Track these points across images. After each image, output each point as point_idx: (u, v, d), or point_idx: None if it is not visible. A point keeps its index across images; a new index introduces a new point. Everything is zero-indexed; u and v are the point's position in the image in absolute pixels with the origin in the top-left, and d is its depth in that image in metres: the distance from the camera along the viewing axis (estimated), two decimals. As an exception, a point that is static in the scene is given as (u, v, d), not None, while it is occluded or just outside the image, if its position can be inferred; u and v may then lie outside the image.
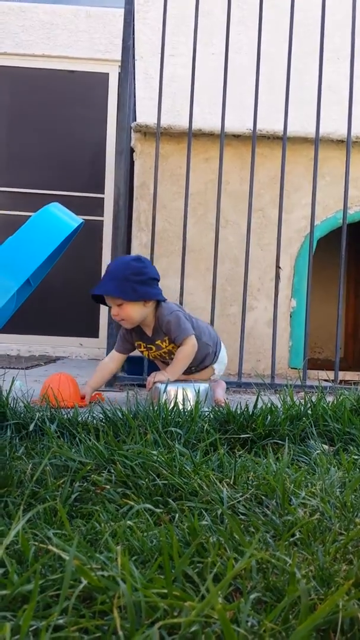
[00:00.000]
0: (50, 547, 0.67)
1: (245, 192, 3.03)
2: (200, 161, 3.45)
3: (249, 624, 0.53)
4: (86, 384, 2.09)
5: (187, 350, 2.03)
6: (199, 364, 2.18)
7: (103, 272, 2.13)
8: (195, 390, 1.83)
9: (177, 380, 1.98)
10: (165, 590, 0.56)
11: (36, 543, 0.70)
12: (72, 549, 0.55)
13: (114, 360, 2.17)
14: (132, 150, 3.47)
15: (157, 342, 2.10)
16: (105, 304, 2.07)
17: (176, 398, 1.61)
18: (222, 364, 2.30)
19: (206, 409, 1.57)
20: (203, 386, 1.89)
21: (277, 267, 2.72)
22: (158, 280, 2.09)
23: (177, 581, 0.61)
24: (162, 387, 1.82)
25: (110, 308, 2.08)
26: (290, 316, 3.51)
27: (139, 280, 1.98)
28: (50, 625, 0.49)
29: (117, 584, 0.57)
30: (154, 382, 1.92)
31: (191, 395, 1.80)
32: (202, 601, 0.55)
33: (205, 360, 2.21)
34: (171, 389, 1.80)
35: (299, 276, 3.49)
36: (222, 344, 2.32)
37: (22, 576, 0.56)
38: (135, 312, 2.00)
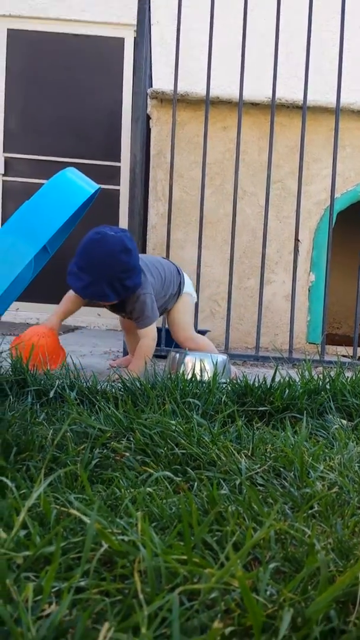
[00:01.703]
0: (71, 510, 0.68)
1: (264, 162, 2.98)
2: (217, 130, 3.39)
3: (268, 592, 0.53)
4: (53, 314, 2.02)
5: (148, 344, 1.98)
6: (166, 307, 2.18)
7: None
8: (213, 362, 1.82)
9: (194, 351, 1.98)
10: (185, 557, 0.57)
11: (57, 506, 0.71)
12: (94, 513, 0.56)
13: (79, 298, 2.03)
14: (148, 118, 3.42)
15: (122, 314, 2.10)
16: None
17: (194, 369, 1.61)
18: (190, 286, 2.27)
19: (223, 381, 1.57)
20: (221, 357, 1.89)
21: (296, 240, 2.68)
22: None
23: (196, 548, 0.61)
24: (179, 357, 1.82)
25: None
26: (309, 290, 3.48)
27: (128, 276, 1.87)
28: (72, 586, 0.49)
29: (138, 548, 0.58)
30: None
31: (209, 367, 1.80)
32: (222, 569, 0.56)
33: (170, 303, 2.19)
34: (189, 360, 1.80)
35: (318, 250, 3.44)
36: (183, 272, 2.26)
37: (44, 538, 0.57)
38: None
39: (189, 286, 2.28)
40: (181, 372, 1.54)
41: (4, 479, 0.76)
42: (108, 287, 1.83)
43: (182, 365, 1.76)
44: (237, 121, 2.69)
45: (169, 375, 1.51)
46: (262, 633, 0.46)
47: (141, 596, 0.50)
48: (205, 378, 1.53)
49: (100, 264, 1.81)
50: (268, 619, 0.50)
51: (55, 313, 2.04)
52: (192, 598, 0.53)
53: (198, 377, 1.50)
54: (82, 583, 0.52)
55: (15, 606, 0.45)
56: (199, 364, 1.77)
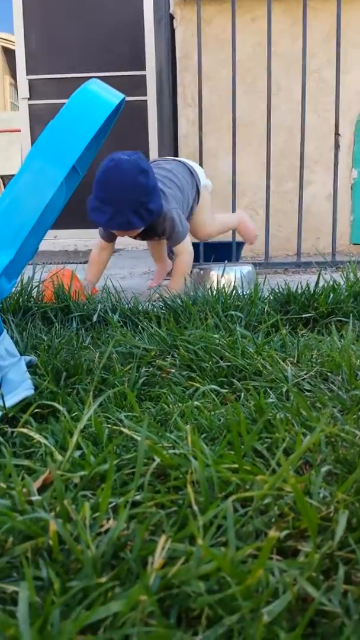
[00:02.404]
0: (122, 428, 0.69)
1: (297, 51, 2.76)
2: (246, 22, 3.15)
3: (321, 495, 0.54)
4: (85, 279, 2.01)
5: (185, 260, 1.93)
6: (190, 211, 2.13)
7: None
8: (240, 273, 1.79)
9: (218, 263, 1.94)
10: (236, 465, 0.57)
11: (109, 426, 0.73)
12: (144, 429, 0.56)
13: (104, 249, 2.07)
14: (171, 19, 3.19)
15: (155, 238, 2.06)
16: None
17: (222, 282, 1.59)
18: (203, 177, 2.21)
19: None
20: (247, 268, 1.85)
21: (336, 134, 2.52)
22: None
23: (246, 456, 0.62)
24: (203, 272, 1.80)
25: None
26: (352, 188, 3.33)
27: (150, 199, 1.80)
28: (128, 501, 0.51)
29: (189, 460, 0.59)
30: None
31: (236, 278, 1.76)
32: (273, 475, 0.56)
33: (194, 203, 2.14)
34: (214, 273, 1.78)
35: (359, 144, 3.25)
36: (193, 167, 2.19)
37: (98, 457, 0.59)
38: (141, 227, 1.89)
39: (202, 178, 2.18)
40: (208, 287, 1.53)
41: (56, 404, 0.78)
42: (133, 214, 1.78)
43: (208, 280, 1.74)
44: (266, 10, 2.47)
45: (209, 290, 1.49)
46: (318, 535, 0.47)
47: (195, 507, 0.51)
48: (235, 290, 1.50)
49: (120, 191, 1.76)
50: (322, 521, 0.50)
51: (85, 279, 2.00)
52: (245, 505, 0.54)
53: (227, 290, 1.48)
54: (137, 497, 0.54)
55: (74, 525, 0.47)
56: (227, 276, 1.75)
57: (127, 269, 2.90)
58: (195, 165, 2.20)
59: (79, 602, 0.38)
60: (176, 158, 2.21)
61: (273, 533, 0.38)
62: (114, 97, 1.02)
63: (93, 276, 2.04)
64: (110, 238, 2.05)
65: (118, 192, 1.77)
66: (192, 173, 2.15)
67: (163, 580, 0.39)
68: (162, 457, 0.59)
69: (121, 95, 1.07)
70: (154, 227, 1.95)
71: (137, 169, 1.78)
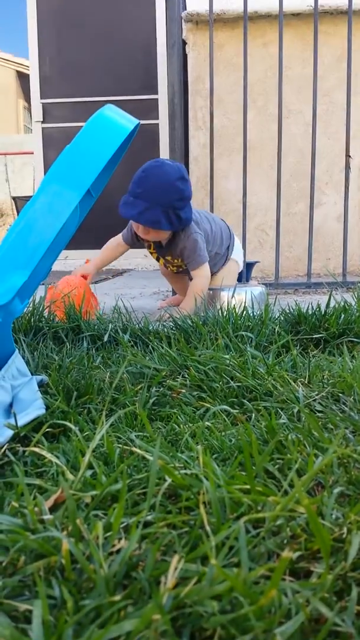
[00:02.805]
0: (133, 448, 0.70)
1: (308, 76, 2.80)
2: (257, 47, 3.20)
3: (334, 516, 0.53)
4: (91, 262, 2.06)
5: (201, 283, 1.93)
6: (212, 270, 2.13)
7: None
8: (252, 294, 1.80)
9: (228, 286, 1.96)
10: (248, 486, 0.57)
11: (120, 445, 0.73)
12: (156, 449, 0.57)
13: (121, 247, 2.10)
14: (183, 43, 3.26)
15: (167, 257, 2.05)
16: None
17: (232, 303, 1.60)
18: (239, 253, 2.24)
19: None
20: (258, 289, 1.85)
21: (347, 155, 2.54)
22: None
23: (258, 477, 0.62)
24: (213, 293, 1.81)
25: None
26: (362, 209, 3.34)
27: (182, 206, 1.83)
28: (140, 521, 0.51)
29: (200, 481, 0.59)
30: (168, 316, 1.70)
31: (246, 299, 1.77)
32: (285, 496, 0.56)
33: (217, 266, 2.16)
34: (224, 294, 1.79)
35: (369, 165, 3.27)
36: (234, 235, 2.23)
37: (110, 477, 0.59)
38: (166, 234, 1.92)
39: (237, 252, 2.22)
40: (219, 307, 1.54)
41: (68, 423, 0.78)
42: (163, 214, 1.81)
43: (219, 300, 1.75)
44: (277, 35, 2.52)
45: (219, 310, 1.50)
46: (330, 556, 0.47)
47: (207, 527, 0.51)
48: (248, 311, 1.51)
49: (157, 189, 1.80)
50: (335, 542, 0.50)
51: (92, 261, 2.07)
52: (257, 526, 0.54)
53: (239, 310, 1.49)
54: (149, 517, 0.54)
55: (86, 544, 0.47)
56: (237, 298, 1.76)
57: (138, 289, 2.92)
58: (237, 240, 2.26)
59: (91, 620, 0.39)
60: (224, 220, 2.26)
61: (286, 553, 0.38)
62: (129, 122, 1.04)
63: (100, 261, 2.09)
64: (130, 241, 2.08)
65: (154, 189, 1.80)
66: (230, 235, 2.20)
67: (175, 600, 0.39)
68: (174, 477, 0.59)
69: (136, 121, 1.09)
70: (176, 243, 1.96)
71: (178, 174, 1.83)
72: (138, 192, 1.82)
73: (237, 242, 2.25)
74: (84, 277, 2.01)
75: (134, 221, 1.88)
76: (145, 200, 1.80)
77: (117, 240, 2.12)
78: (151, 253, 2.12)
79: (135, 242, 2.08)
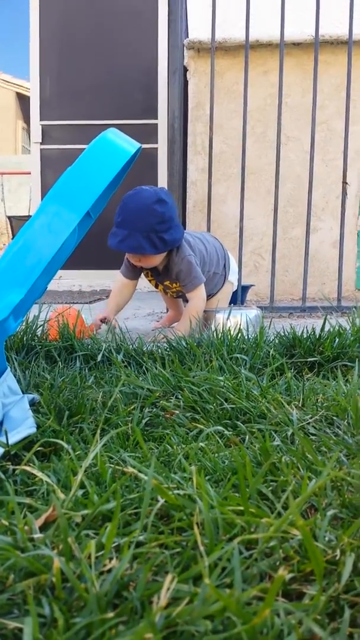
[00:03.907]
0: (126, 468, 0.69)
1: (307, 104, 2.86)
2: (258, 75, 3.27)
3: (326, 539, 0.53)
4: (107, 309, 2.06)
5: (197, 305, 1.94)
6: (212, 292, 2.16)
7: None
8: (247, 317, 1.81)
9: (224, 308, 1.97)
10: (242, 508, 0.57)
11: (112, 465, 0.73)
12: (151, 469, 0.56)
13: (127, 286, 2.10)
14: (185, 70, 3.32)
15: (165, 283, 2.06)
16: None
17: (224, 325, 1.61)
18: (234, 274, 2.27)
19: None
20: (253, 312, 1.86)
21: (344, 182, 2.58)
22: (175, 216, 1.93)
23: (252, 499, 0.61)
24: (208, 314, 1.82)
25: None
26: (358, 235, 3.38)
27: (165, 228, 1.83)
28: (132, 541, 0.51)
29: (194, 501, 0.59)
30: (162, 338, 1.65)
31: (242, 322, 1.78)
32: (278, 518, 0.56)
33: (217, 286, 2.18)
34: (219, 316, 1.80)
35: (365, 193, 3.32)
36: (228, 253, 2.25)
37: (102, 496, 0.59)
38: (158, 259, 1.92)
39: (233, 273, 2.25)
40: (213, 328, 1.54)
41: (60, 441, 0.78)
42: (145, 239, 1.81)
43: (214, 322, 1.75)
44: (278, 63, 2.57)
45: (214, 332, 1.50)
46: (323, 578, 0.47)
47: (201, 547, 0.50)
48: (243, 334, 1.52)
49: (133, 216, 1.81)
50: (328, 564, 0.50)
51: (108, 308, 2.06)
52: (249, 547, 0.54)
53: (233, 333, 1.49)
54: (141, 538, 0.53)
55: (77, 563, 0.47)
56: (233, 320, 1.76)
57: (131, 310, 2.92)
58: (232, 259, 2.27)
59: (82, 639, 0.38)
60: (217, 239, 2.28)
61: (281, 572, 0.38)
62: (131, 146, 1.06)
63: (110, 310, 2.07)
64: (131, 275, 2.09)
65: (131, 216, 1.82)
66: (225, 255, 2.22)
67: (167, 619, 0.39)
68: (168, 497, 0.59)
69: (137, 145, 1.10)
70: (171, 268, 1.97)
71: (154, 198, 1.83)
72: (118, 221, 1.84)
73: (233, 262, 2.27)
74: (103, 320, 2.00)
75: (116, 249, 1.89)
76: (124, 228, 1.82)
77: (119, 281, 2.12)
78: (150, 281, 2.13)
79: (133, 273, 2.08)
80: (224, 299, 2.22)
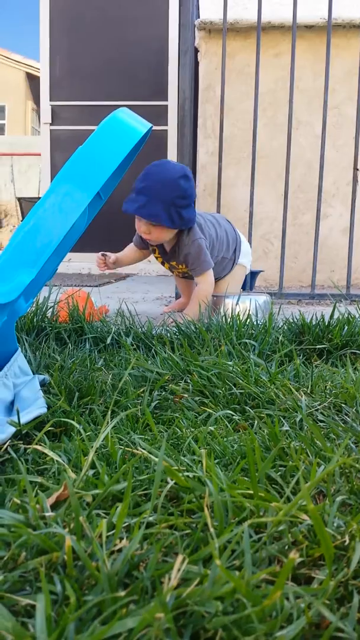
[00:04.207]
0: (136, 450, 0.70)
1: (319, 88, 2.81)
2: (269, 57, 3.22)
3: (335, 524, 0.53)
4: (115, 255, 2.13)
5: (205, 290, 1.94)
6: (219, 275, 2.15)
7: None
8: (256, 303, 1.80)
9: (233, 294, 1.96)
10: (251, 491, 0.57)
11: (122, 447, 0.73)
12: (161, 450, 0.57)
13: (135, 251, 2.15)
14: (195, 51, 3.28)
15: (172, 263, 2.06)
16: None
17: (233, 310, 1.61)
18: (247, 256, 2.25)
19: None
20: (262, 298, 1.86)
21: (355, 169, 2.55)
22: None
23: (261, 483, 0.62)
24: (217, 299, 1.82)
25: (135, 220, 1.93)
26: (367, 223, 3.35)
27: (185, 204, 1.83)
28: (142, 522, 0.51)
29: (204, 484, 0.59)
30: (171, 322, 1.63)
31: (251, 307, 1.77)
32: (288, 503, 0.56)
33: (225, 270, 2.16)
34: (228, 301, 1.79)
35: (376, 179, 3.28)
36: (241, 236, 2.23)
37: (113, 477, 0.59)
38: (168, 235, 1.91)
39: (245, 254, 2.22)
40: (222, 313, 1.54)
41: (72, 421, 0.78)
42: (164, 210, 1.80)
43: (223, 307, 1.75)
44: (290, 47, 2.53)
45: (223, 317, 1.50)
46: (332, 563, 0.47)
47: (212, 529, 0.51)
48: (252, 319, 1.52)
49: (157, 185, 1.80)
50: (337, 549, 0.50)
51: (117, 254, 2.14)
52: (259, 531, 0.54)
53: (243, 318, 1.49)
54: (151, 519, 0.54)
55: (88, 542, 0.47)
56: (242, 305, 1.76)
57: (140, 294, 2.92)
58: (244, 241, 2.25)
59: (93, 617, 0.39)
60: (229, 222, 2.26)
61: (292, 555, 0.38)
62: (142, 126, 1.05)
63: (123, 256, 2.15)
64: (141, 245, 2.11)
65: (155, 184, 1.81)
66: (237, 238, 2.20)
67: (177, 599, 0.39)
68: (178, 479, 0.59)
69: (148, 125, 1.09)
70: (180, 249, 1.96)
71: (181, 172, 1.84)
72: (140, 188, 1.83)
73: (245, 244, 2.24)
74: (104, 255, 2.10)
75: (134, 213, 1.86)
76: (146, 195, 1.81)
77: (129, 246, 2.18)
78: (157, 258, 2.12)
79: (144, 244, 2.09)
80: (234, 283, 2.21)
